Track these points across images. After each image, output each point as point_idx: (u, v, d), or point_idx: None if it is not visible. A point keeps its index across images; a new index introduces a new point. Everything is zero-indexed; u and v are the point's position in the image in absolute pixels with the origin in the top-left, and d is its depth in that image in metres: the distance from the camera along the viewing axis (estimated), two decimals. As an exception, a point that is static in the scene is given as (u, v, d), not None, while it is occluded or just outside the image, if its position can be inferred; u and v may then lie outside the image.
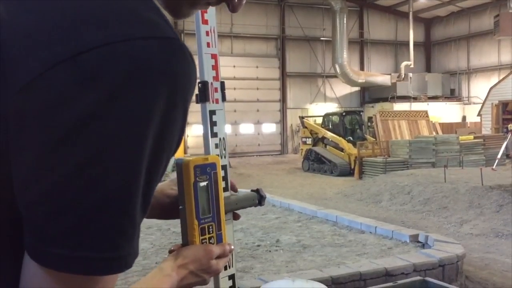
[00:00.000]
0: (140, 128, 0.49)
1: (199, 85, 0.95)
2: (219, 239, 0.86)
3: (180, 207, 0.83)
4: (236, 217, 1.00)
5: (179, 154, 0.81)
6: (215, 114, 0.96)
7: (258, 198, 1.02)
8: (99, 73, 0.47)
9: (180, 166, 0.82)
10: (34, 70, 0.47)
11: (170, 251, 0.83)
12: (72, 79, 0.47)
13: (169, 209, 0.92)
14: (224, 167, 0.97)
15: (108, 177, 0.49)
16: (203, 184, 0.83)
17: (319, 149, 16.90)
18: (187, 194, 0.81)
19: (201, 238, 0.83)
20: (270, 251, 5.40)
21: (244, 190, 1.07)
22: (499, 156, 12.68)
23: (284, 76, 25.44)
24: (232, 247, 0.89)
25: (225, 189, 0.97)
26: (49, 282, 0.49)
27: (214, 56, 0.96)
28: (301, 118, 19.65)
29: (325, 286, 2.27)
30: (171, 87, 0.51)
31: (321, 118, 18.51)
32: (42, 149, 0.47)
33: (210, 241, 0.84)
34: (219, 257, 0.84)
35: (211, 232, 0.84)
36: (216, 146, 0.97)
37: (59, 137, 0.47)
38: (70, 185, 0.48)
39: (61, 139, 0.47)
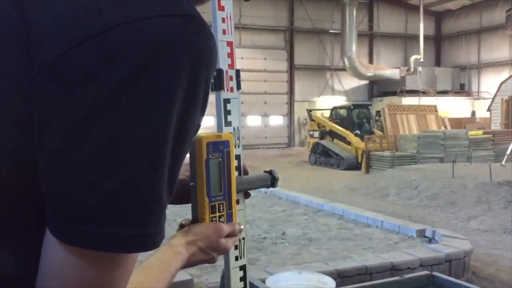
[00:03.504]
0: (165, 106, 0.49)
1: (214, 72, 0.94)
2: (229, 218, 0.85)
3: (191, 183, 0.82)
4: (247, 195, 1.00)
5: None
6: (229, 102, 0.95)
7: (271, 180, 1.01)
8: (124, 51, 0.47)
9: (193, 143, 0.80)
10: (59, 48, 0.47)
11: (181, 225, 0.83)
12: (98, 56, 0.47)
13: (180, 193, 0.92)
14: (237, 157, 0.95)
15: (135, 155, 0.49)
16: (215, 161, 0.82)
17: (326, 142, 16.85)
18: (198, 171, 0.81)
19: (211, 216, 0.82)
20: (276, 243, 5.41)
21: None
22: (508, 152, 12.57)
23: (292, 68, 25.33)
24: (242, 226, 0.89)
25: None
26: (73, 260, 0.49)
27: (229, 44, 0.94)
28: (309, 111, 19.59)
29: (331, 279, 2.27)
30: (194, 65, 0.51)
31: (329, 111, 18.43)
32: (69, 127, 0.47)
33: (220, 219, 0.84)
34: (228, 236, 0.84)
35: (221, 210, 0.83)
36: None
37: (85, 114, 0.47)
38: (96, 162, 0.47)
39: (87, 117, 0.47)
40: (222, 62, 0.94)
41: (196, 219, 0.83)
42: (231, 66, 0.96)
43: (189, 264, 0.79)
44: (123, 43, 0.47)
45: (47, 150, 0.48)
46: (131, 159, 0.48)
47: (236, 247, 0.97)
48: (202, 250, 0.80)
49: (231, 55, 0.95)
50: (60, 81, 0.47)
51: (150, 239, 0.51)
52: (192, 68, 0.51)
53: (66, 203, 0.48)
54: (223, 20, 0.93)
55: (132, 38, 0.47)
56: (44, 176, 0.49)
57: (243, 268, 0.97)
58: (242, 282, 0.97)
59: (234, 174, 0.86)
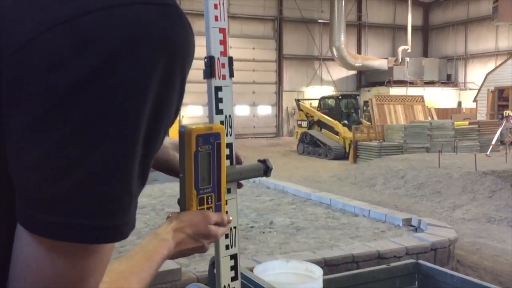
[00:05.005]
0: (137, 95, 0.48)
1: (205, 60, 0.92)
2: (218, 210, 0.85)
3: (180, 175, 0.81)
4: (238, 185, 0.99)
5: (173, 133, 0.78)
6: (221, 90, 0.94)
7: (264, 169, 0.99)
8: (96, 38, 0.46)
9: (183, 134, 0.80)
10: (29, 32, 0.46)
11: (168, 218, 0.83)
12: (68, 43, 0.45)
13: (166, 168, 0.91)
14: (229, 145, 0.95)
15: (104, 144, 0.47)
16: (205, 154, 0.80)
17: (314, 132, 16.90)
18: (187, 164, 0.80)
19: (199, 208, 0.82)
20: (263, 232, 5.43)
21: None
22: (493, 142, 12.75)
23: (280, 58, 25.26)
24: (231, 218, 0.88)
25: None
26: (43, 251, 0.48)
27: (222, 30, 0.92)
28: (297, 100, 19.59)
29: (318, 267, 2.28)
30: (169, 53, 0.50)
31: (317, 101, 18.47)
32: (36, 114, 0.46)
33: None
34: (217, 224, 0.83)
35: (210, 202, 0.83)
36: (222, 123, 0.95)
37: (53, 101, 0.46)
38: (64, 150, 0.46)
39: (56, 104, 0.46)
40: (214, 49, 0.92)
41: (184, 210, 0.82)
42: (224, 53, 0.94)
43: (180, 253, 0.79)
44: (96, 30, 0.46)
45: (15, 138, 0.47)
46: (100, 149, 0.47)
47: (226, 236, 0.96)
48: (190, 237, 0.79)
49: (223, 42, 0.93)
50: (28, 66, 0.46)
51: (118, 230, 0.50)
52: (167, 57, 0.50)
53: (33, 193, 0.47)
54: (215, 6, 0.91)
55: (105, 25, 0.46)
56: (13, 165, 0.48)
57: (234, 257, 0.97)
58: (233, 271, 0.96)
59: (225, 166, 0.85)
